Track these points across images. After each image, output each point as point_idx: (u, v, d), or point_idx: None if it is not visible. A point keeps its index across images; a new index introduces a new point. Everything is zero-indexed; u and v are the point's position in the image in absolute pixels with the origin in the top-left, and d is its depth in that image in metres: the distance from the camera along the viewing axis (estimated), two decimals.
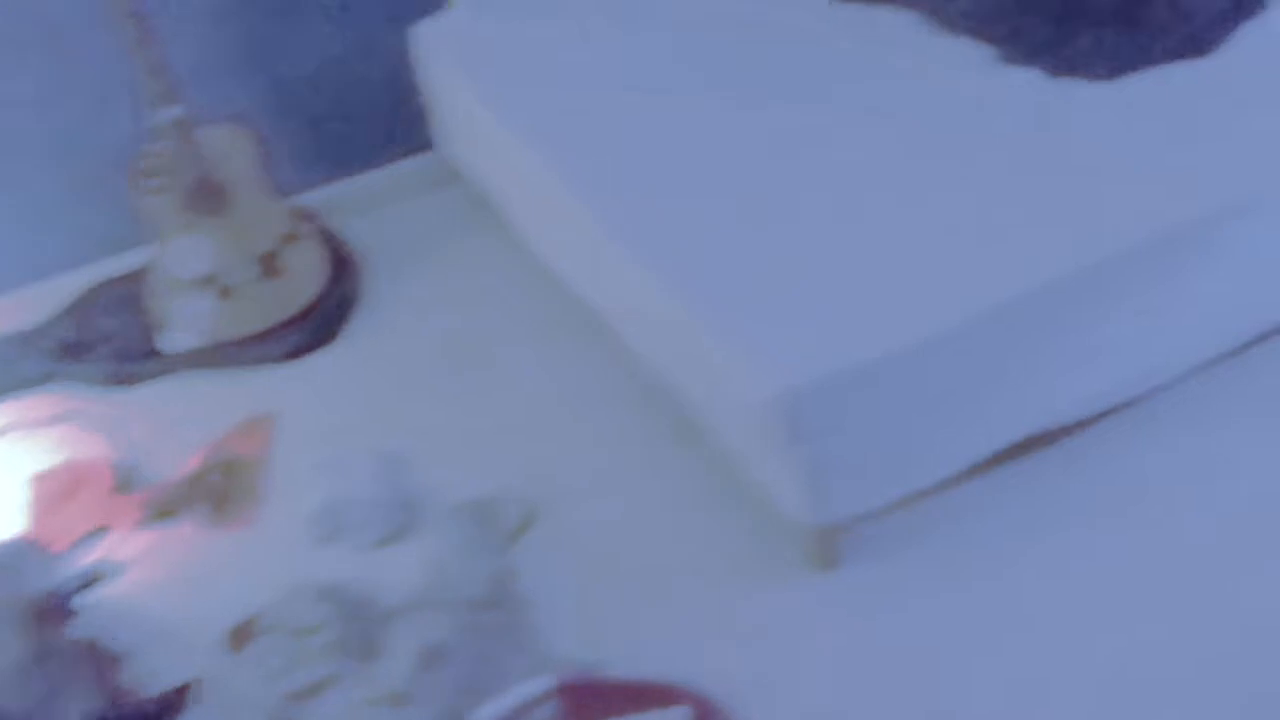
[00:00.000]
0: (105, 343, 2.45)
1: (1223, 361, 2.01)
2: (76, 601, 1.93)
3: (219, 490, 2.16)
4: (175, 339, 2.41)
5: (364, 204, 2.73)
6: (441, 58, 2.44)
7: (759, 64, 2.22)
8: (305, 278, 2.48)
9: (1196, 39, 2.04)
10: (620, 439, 2.14)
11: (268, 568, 2.00)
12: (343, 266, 2.58)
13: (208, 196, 2.29)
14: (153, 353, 2.42)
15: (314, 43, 2.53)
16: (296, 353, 2.44)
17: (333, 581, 1.92)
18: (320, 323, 2.47)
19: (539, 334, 2.38)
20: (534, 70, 2.31)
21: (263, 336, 2.42)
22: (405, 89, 2.60)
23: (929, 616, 1.80)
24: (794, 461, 1.72)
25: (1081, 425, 1.96)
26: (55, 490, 2.19)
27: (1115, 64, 2.02)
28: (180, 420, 2.32)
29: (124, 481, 2.20)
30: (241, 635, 1.88)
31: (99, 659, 1.84)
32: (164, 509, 2.14)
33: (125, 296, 2.51)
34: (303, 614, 1.85)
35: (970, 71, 2.11)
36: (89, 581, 1.98)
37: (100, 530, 2.12)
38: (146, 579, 2.04)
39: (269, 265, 2.40)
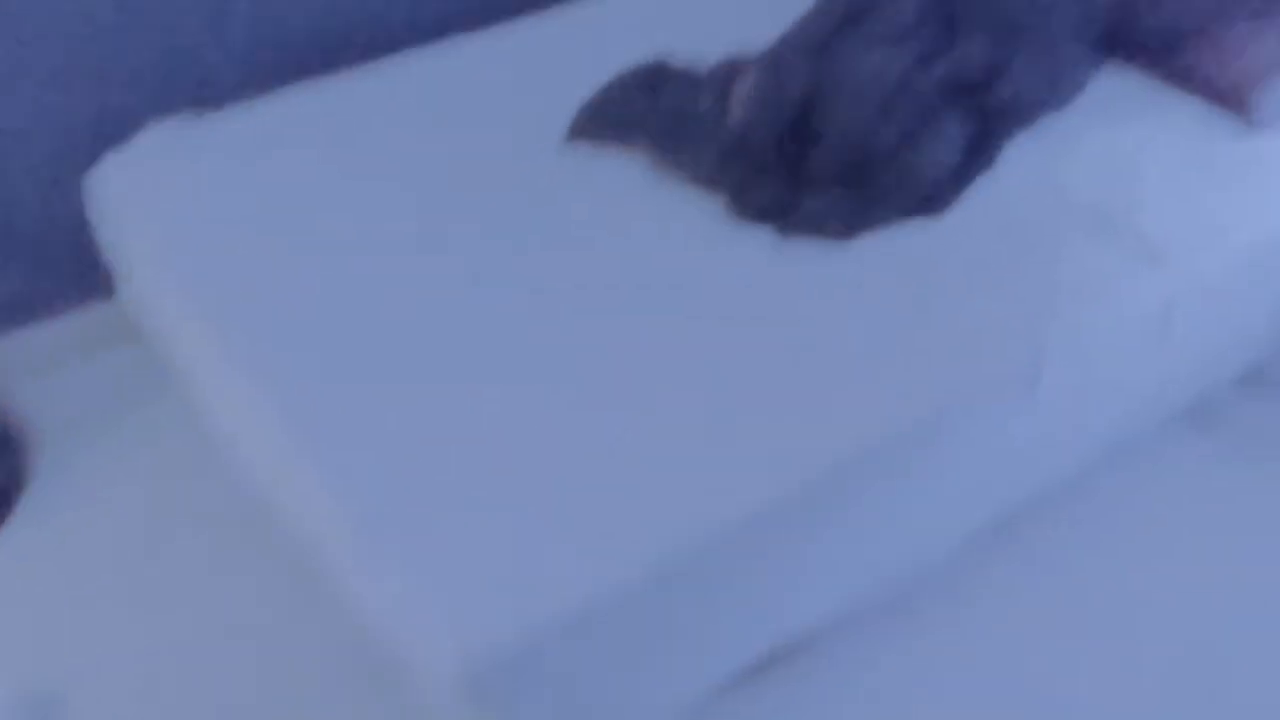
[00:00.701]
0: None
1: (979, 546, 1.87)
2: None
3: None
4: None
5: (35, 363, 2.36)
6: (121, 200, 2.09)
7: (477, 221, 1.96)
8: None
9: (929, 198, 1.89)
10: (315, 679, 1.85)
11: None
12: (4, 444, 2.21)
13: None
14: None
15: None
16: None
17: None
18: None
19: (226, 537, 2.06)
20: (218, 220, 1.98)
21: None
22: (86, 230, 2.24)
23: None
24: None
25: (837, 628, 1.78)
26: None
27: (848, 224, 1.85)
28: None
29: None
30: None
31: None
32: None
33: None
34: None
35: (695, 237, 1.90)
36: None
37: None
38: None
39: None
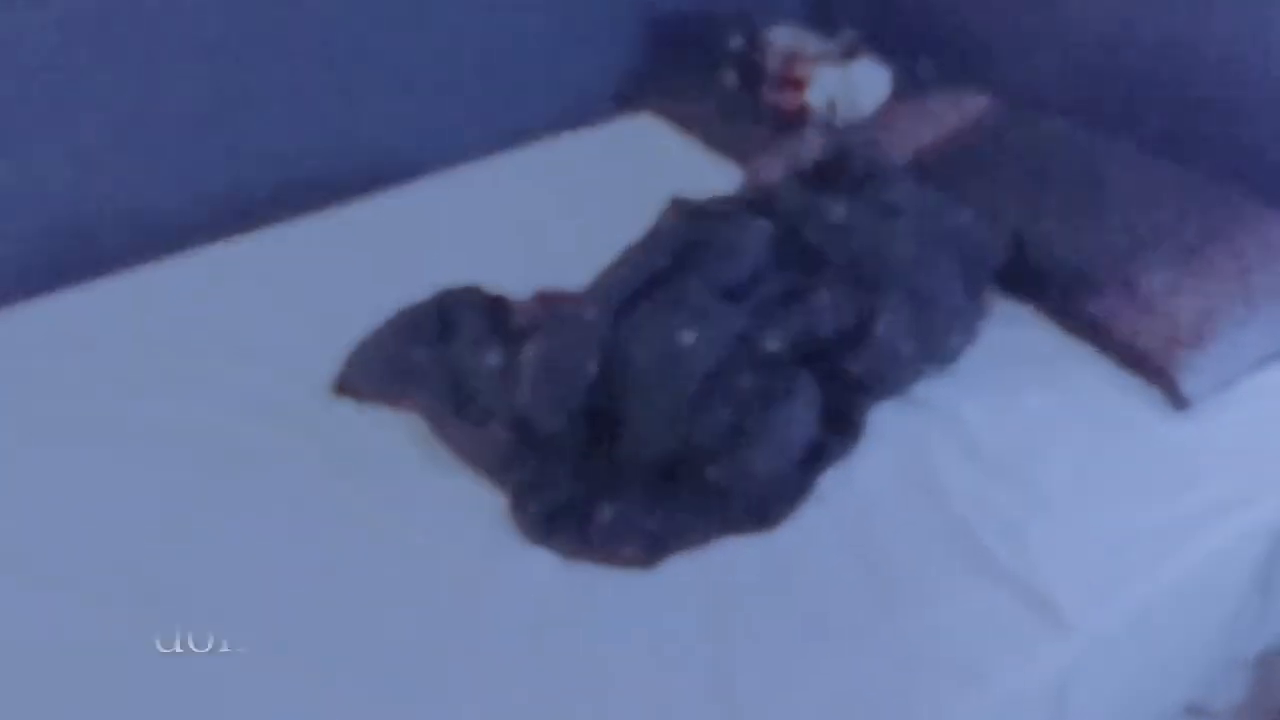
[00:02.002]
0: None
1: None
2: None
3: None
4: None
5: None
6: None
7: (221, 505, 1.53)
8: None
9: (762, 506, 1.46)
10: None
11: None
12: None
13: None
14: None
15: None
16: None
17: None
18: None
19: None
20: None
21: None
22: None
23: None
24: None
25: None
26: None
27: (649, 549, 1.41)
28: None
29: None
30: None
31: None
32: None
33: None
34: None
35: (474, 539, 1.46)
36: None
37: None
38: None
39: None
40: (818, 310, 1.59)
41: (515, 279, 1.86)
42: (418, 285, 1.82)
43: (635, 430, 1.46)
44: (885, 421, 1.63)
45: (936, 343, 1.64)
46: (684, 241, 1.63)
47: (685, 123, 2.43)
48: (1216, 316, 1.67)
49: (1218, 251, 1.76)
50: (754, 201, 1.77)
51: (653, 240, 1.64)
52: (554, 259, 1.96)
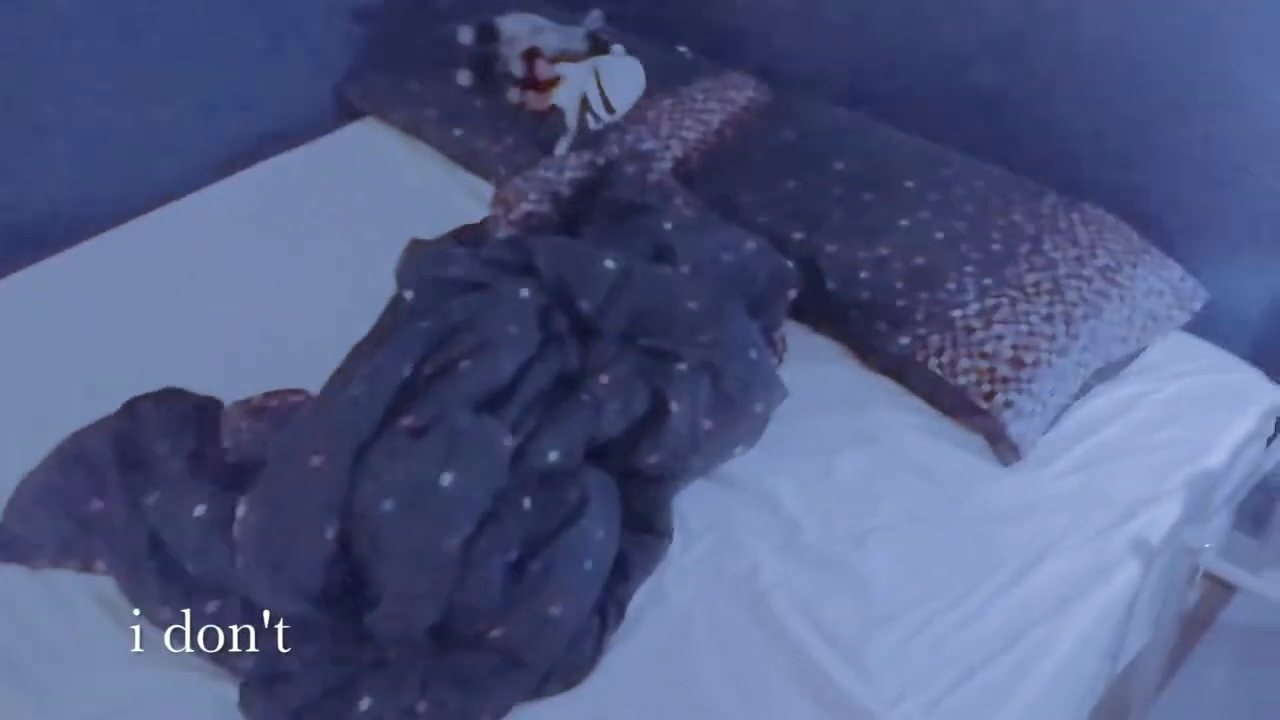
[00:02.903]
0: None
1: None
2: None
3: None
4: None
5: None
6: None
7: None
8: None
9: (565, 660, 1.20)
10: None
11: None
12: None
13: None
14: None
15: None
16: None
17: None
18: None
19: None
20: None
21: None
22: None
23: None
24: None
25: None
26: None
27: None
28: None
29: None
30: None
31: None
32: None
33: None
34: None
35: None
36: None
37: None
38: None
39: None
40: (600, 401, 1.32)
41: (231, 330, 1.66)
42: (116, 351, 1.59)
43: (392, 599, 1.15)
44: (693, 511, 1.40)
45: (741, 411, 1.40)
46: (432, 336, 1.31)
47: (416, 130, 2.09)
48: (1037, 341, 1.50)
49: (1027, 260, 1.59)
50: (510, 254, 1.47)
51: (393, 339, 1.31)
52: (274, 298, 1.72)
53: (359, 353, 1.34)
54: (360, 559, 1.17)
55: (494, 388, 1.26)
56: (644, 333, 1.41)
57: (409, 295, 1.39)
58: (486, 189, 1.97)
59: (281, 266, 1.80)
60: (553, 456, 1.27)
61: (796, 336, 1.65)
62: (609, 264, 1.45)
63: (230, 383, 1.48)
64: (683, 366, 1.37)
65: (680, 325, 1.41)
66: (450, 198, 1.97)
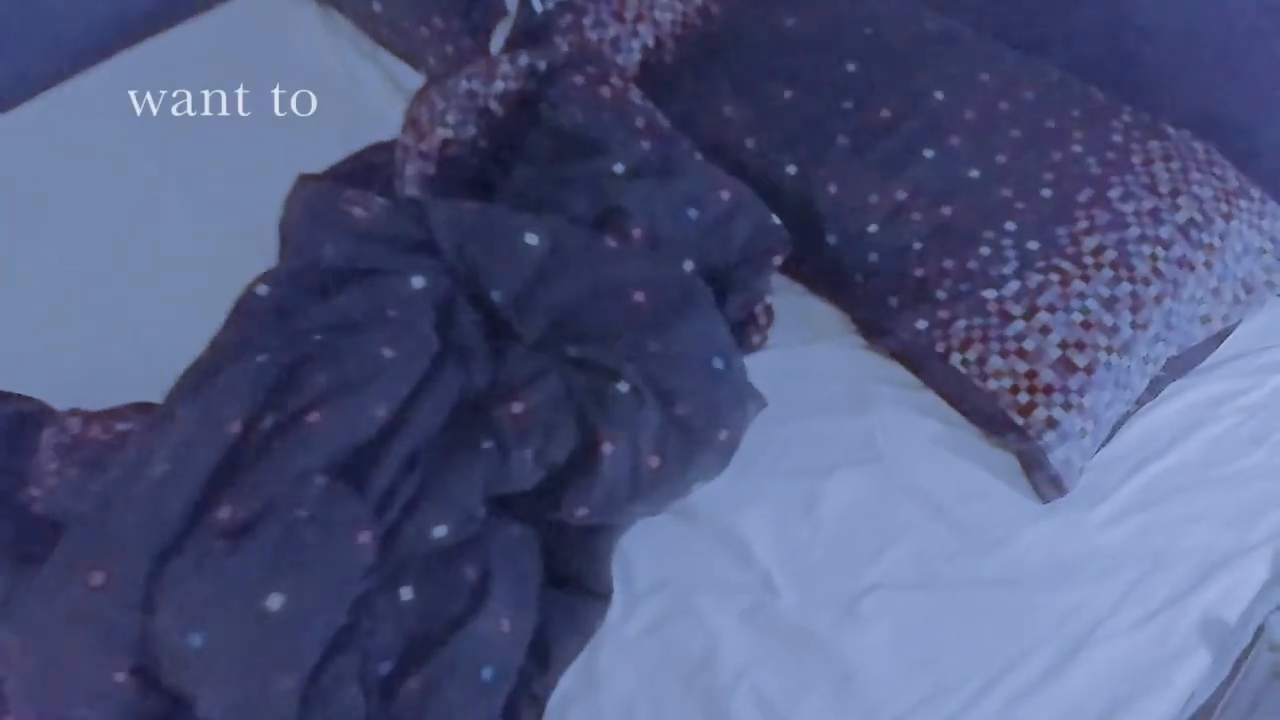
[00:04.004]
0: None
1: None
2: None
3: None
4: None
5: None
6: None
7: None
8: None
9: None
10: None
11: None
12: None
13: None
14: None
15: None
16: None
17: None
18: None
19: None
20: None
21: None
22: None
23: None
24: None
25: None
26: None
27: None
28: None
29: None
30: None
31: None
32: None
33: None
34: None
35: None
36: None
37: None
38: None
39: None
40: (507, 448, 0.99)
41: (76, 267, 1.37)
42: None
43: None
44: (638, 558, 1.09)
45: (700, 442, 1.07)
46: (269, 377, 0.97)
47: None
48: (1093, 336, 1.15)
49: (1086, 215, 1.22)
50: (404, 225, 1.11)
51: (217, 383, 0.96)
52: (128, 231, 1.41)
53: (193, 373, 1.01)
54: (177, 691, 0.88)
55: (357, 444, 0.94)
56: (574, 336, 1.07)
57: (263, 291, 1.04)
58: (411, 78, 1.60)
59: (144, 186, 1.46)
60: (439, 533, 0.95)
61: (787, 300, 1.30)
62: (530, 239, 1.09)
63: (64, 343, 1.23)
64: (623, 388, 1.03)
65: (622, 326, 1.07)
66: (365, 88, 1.61)
